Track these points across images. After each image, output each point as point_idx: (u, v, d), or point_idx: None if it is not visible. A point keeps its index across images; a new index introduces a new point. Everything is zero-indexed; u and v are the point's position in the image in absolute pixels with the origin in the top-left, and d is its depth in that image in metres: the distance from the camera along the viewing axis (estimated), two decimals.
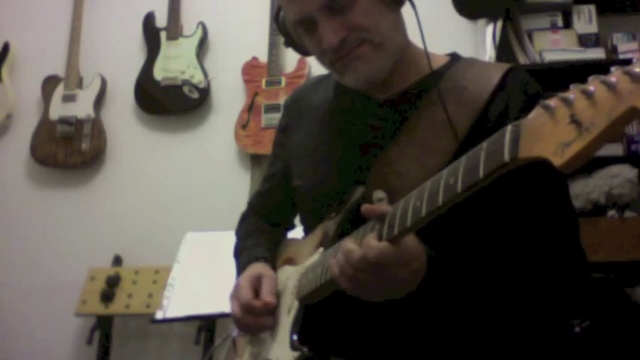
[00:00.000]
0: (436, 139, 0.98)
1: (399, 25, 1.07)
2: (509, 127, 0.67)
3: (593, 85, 0.57)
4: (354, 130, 1.11)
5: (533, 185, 0.95)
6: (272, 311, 1.10)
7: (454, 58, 1.12)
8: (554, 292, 0.97)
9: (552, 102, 0.62)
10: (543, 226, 0.97)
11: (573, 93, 0.59)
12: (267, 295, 1.09)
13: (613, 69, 0.56)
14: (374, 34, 1.01)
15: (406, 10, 1.05)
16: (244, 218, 1.37)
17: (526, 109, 0.67)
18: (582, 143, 0.57)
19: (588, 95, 0.57)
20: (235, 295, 1.13)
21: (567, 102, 0.59)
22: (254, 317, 1.10)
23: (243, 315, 1.11)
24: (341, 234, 0.99)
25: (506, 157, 0.65)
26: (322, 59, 1.07)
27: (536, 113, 0.64)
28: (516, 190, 0.94)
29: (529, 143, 0.63)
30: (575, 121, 0.57)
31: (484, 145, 0.70)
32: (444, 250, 0.90)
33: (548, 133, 0.61)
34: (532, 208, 0.97)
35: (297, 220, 1.31)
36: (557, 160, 0.59)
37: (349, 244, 0.87)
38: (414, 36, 1.09)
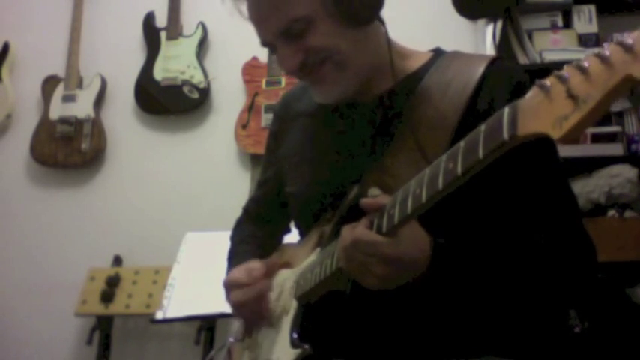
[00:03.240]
0: (426, 141, 0.98)
1: (365, 42, 1.05)
2: (506, 108, 0.67)
3: (587, 60, 0.58)
4: (340, 134, 1.12)
5: (533, 173, 0.95)
6: (265, 291, 1.14)
7: (437, 53, 1.12)
8: (563, 275, 0.96)
9: (547, 81, 0.62)
10: (548, 211, 0.97)
11: (568, 70, 0.60)
12: (255, 272, 1.13)
13: (605, 44, 0.57)
14: (334, 53, 1.01)
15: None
16: (239, 224, 1.38)
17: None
18: (580, 115, 0.57)
19: (582, 70, 0.58)
20: (228, 292, 1.16)
21: (562, 79, 0.60)
22: (251, 298, 1.12)
23: (242, 299, 1.12)
24: (337, 233, 0.98)
25: (506, 135, 0.65)
26: (292, 76, 1.09)
27: (532, 93, 0.64)
28: (517, 178, 0.95)
29: (527, 121, 0.64)
30: (571, 96, 0.58)
31: (482, 127, 0.70)
32: (447, 238, 0.89)
33: (545, 110, 0.62)
34: (534, 194, 0.97)
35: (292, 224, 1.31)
36: (556, 133, 0.59)
37: (361, 229, 0.86)
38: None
